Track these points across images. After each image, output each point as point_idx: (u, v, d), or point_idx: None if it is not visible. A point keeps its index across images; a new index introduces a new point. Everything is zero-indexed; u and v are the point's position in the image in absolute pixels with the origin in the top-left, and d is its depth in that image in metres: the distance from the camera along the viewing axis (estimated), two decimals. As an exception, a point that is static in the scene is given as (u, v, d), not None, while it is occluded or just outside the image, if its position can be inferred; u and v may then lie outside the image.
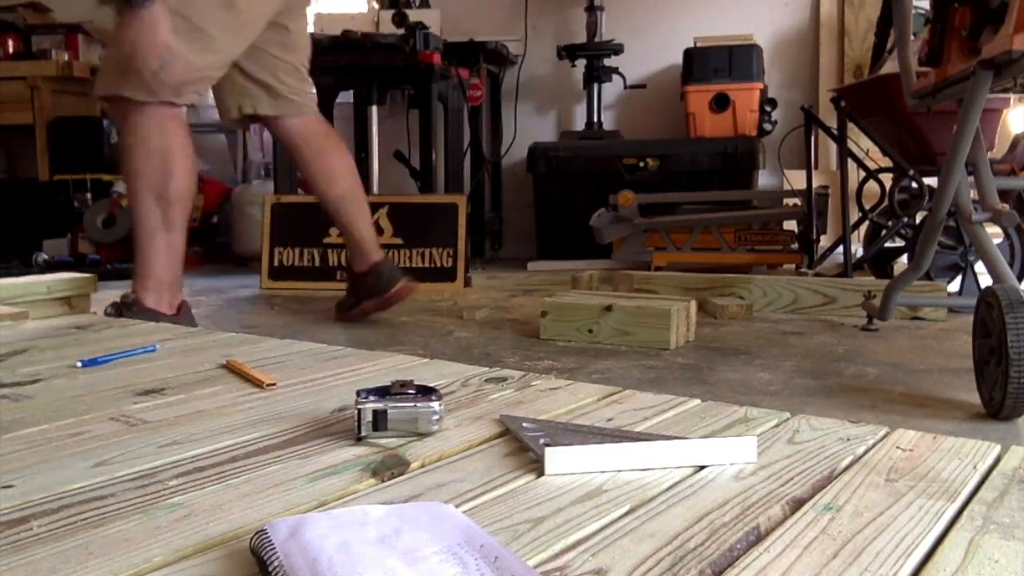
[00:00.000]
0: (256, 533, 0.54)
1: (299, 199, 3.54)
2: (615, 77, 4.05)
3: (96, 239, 4.38)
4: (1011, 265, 2.70)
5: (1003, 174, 2.85)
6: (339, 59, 3.66)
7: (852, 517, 0.60)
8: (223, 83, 2.04)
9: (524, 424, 0.80)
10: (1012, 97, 3.06)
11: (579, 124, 4.20)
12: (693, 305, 2.13)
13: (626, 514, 0.61)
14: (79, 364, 1.13)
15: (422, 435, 0.79)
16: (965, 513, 0.61)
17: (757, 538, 0.57)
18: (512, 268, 3.78)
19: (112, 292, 3.14)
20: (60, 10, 4.78)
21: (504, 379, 1.04)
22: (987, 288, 1.50)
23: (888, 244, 3.21)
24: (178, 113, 1.83)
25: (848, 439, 0.79)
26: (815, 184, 3.33)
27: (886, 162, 3.19)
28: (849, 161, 3.27)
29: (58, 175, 4.62)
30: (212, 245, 4.56)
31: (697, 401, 0.94)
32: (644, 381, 1.64)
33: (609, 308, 2.04)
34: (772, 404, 1.28)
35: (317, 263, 3.31)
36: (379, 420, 0.78)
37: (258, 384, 1.01)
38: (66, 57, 4.90)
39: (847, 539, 0.57)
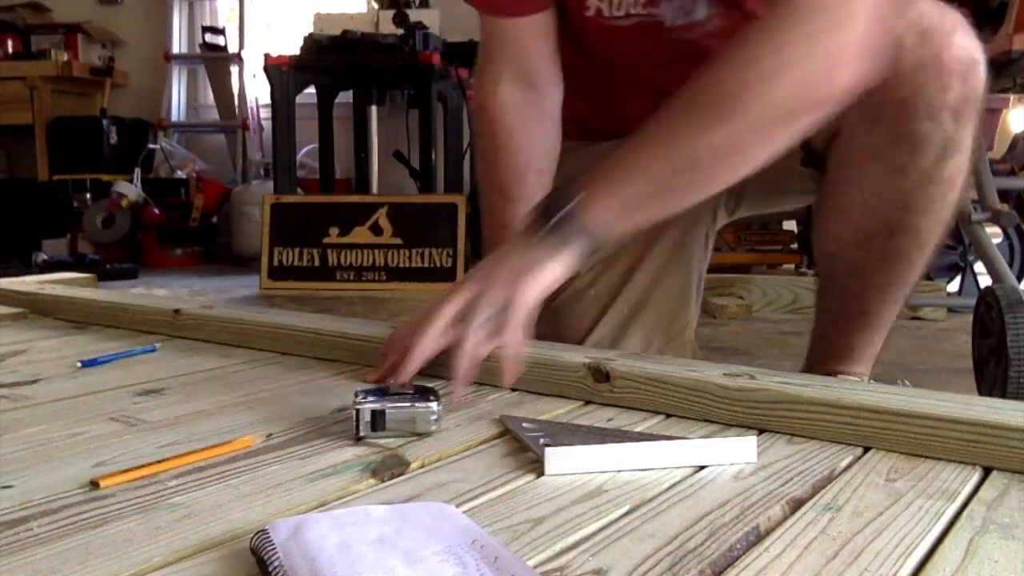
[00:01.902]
0: (256, 533, 0.54)
1: (298, 199, 3.55)
2: (615, 77, 4.04)
3: (96, 239, 4.38)
4: (1011, 265, 2.70)
5: (1003, 174, 2.85)
6: (339, 59, 3.66)
7: (852, 517, 0.60)
8: None
9: (524, 424, 0.80)
10: (1012, 97, 3.06)
11: (579, 124, 4.20)
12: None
13: (626, 514, 0.61)
14: (79, 364, 1.13)
15: (421, 435, 0.79)
16: (965, 513, 0.61)
17: (757, 538, 0.57)
18: (512, 268, 3.77)
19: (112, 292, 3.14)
20: None
21: (504, 379, 1.04)
22: (987, 288, 1.50)
23: (888, 244, 3.20)
24: None
25: (848, 439, 0.79)
26: (815, 184, 3.33)
27: (886, 162, 3.18)
28: (849, 161, 3.26)
29: (57, 175, 4.63)
30: (212, 245, 4.56)
31: (697, 401, 0.94)
32: (644, 381, 1.64)
33: (609, 308, 2.04)
34: (772, 404, 1.28)
35: (317, 263, 3.31)
36: (377, 420, 0.78)
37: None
38: (65, 57, 4.90)
39: (847, 539, 0.57)
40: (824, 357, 1.18)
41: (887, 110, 0.98)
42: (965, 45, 0.96)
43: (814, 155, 1.10)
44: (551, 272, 0.81)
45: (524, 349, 0.81)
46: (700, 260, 1.28)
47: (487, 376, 1.00)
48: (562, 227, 0.80)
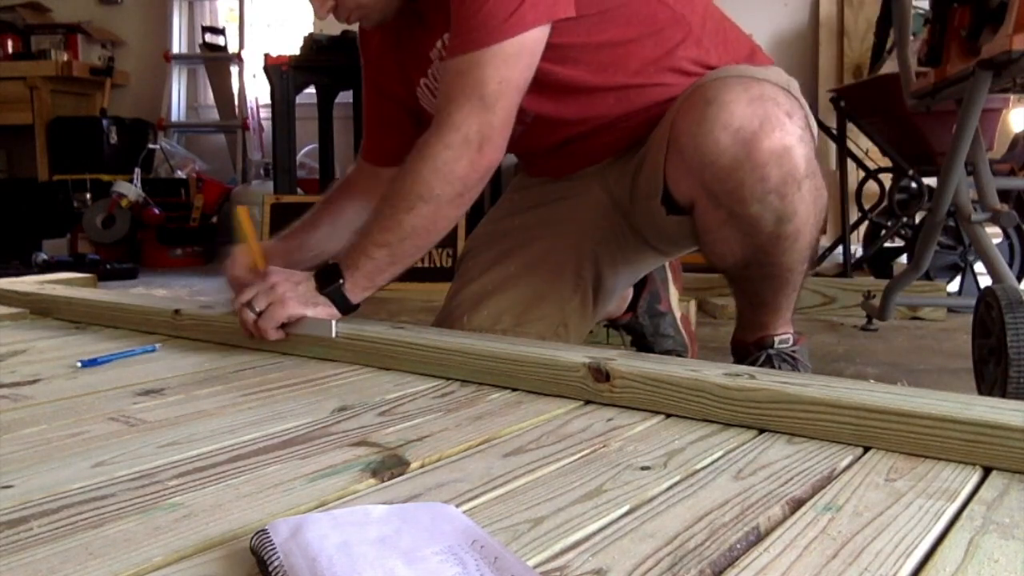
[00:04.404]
0: (256, 533, 0.54)
1: (298, 199, 3.54)
2: (615, 77, 4.04)
3: (96, 239, 4.38)
4: (1011, 265, 2.70)
5: (1003, 174, 2.85)
6: (339, 59, 3.65)
7: (852, 517, 0.60)
8: None
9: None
10: (1012, 97, 3.06)
11: (579, 124, 4.20)
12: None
13: (626, 514, 0.61)
14: (79, 364, 1.13)
15: None
16: (965, 513, 0.61)
17: (757, 538, 0.57)
18: (512, 268, 3.77)
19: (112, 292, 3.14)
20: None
21: (504, 379, 1.04)
22: (986, 288, 1.50)
23: (888, 244, 3.21)
24: None
25: (848, 439, 0.79)
26: (815, 184, 3.32)
27: (886, 162, 3.19)
28: (849, 161, 3.27)
29: (57, 175, 4.62)
30: (212, 245, 4.56)
31: (697, 401, 0.94)
32: (644, 381, 1.63)
33: (609, 308, 2.04)
34: (772, 404, 1.28)
35: (317, 263, 3.30)
36: None
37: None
38: (65, 57, 4.90)
39: (847, 539, 0.57)
40: (751, 328, 1.38)
41: (722, 197, 1.16)
42: (775, 136, 1.11)
43: (678, 207, 1.26)
44: (318, 311, 1.18)
45: (274, 334, 1.18)
46: (585, 271, 1.40)
47: (488, 376, 1.01)
48: (331, 295, 1.18)
